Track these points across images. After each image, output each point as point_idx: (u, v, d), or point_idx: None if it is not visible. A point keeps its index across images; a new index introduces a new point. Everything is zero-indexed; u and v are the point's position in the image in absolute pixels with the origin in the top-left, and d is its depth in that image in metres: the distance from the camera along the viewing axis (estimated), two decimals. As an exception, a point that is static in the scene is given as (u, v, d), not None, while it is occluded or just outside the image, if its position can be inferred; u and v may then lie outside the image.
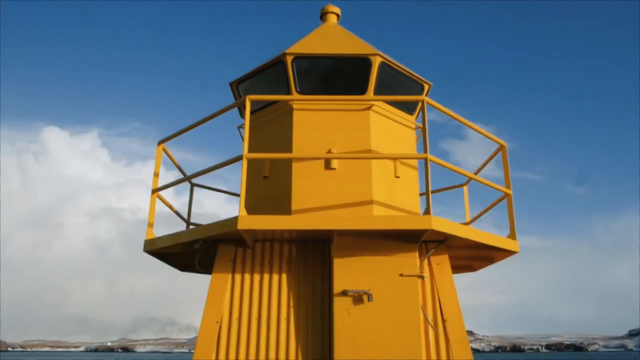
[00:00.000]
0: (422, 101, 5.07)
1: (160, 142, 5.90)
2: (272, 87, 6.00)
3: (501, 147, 5.89)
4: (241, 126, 6.45)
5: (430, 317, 4.87)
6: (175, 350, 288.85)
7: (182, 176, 5.94)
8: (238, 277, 5.07)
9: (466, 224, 6.65)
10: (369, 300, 4.71)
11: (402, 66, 6.05)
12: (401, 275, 4.82)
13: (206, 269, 5.47)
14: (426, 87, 6.40)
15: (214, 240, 5.12)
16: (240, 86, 6.36)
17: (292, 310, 4.95)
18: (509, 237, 5.57)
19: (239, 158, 4.94)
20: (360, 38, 6.58)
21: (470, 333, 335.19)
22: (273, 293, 5.00)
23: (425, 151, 4.88)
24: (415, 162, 5.88)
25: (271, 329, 4.85)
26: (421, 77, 6.34)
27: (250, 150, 5.32)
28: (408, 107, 6.14)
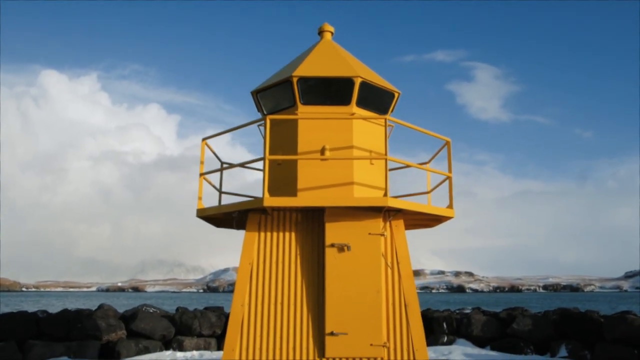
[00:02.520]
0: (385, 119, 7.49)
1: (204, 139, 8.34)
2: (282, 97, 8.37)
3: (447, 143, 8.30)
4: (261, 124, 8.78)
5: (388, 261, 7.45)
6: (184, 290, 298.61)
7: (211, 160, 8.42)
8: (262, 234, 7.63)
9: (428, 192, 9.13)
10: (348, 250, 7.27)
11: (377, 82, 8.36)
12: (370, 233, 7.37)
13: (239, 228, 8.01)
14: (396, 94, 8.73)
15: (246, 210, 7.65)
16: (258, 95, 8.72)
17: (299, 256, 7.52)
18: (448, 207, 8.08)
19: (261, 159, 7.42)
20: (349, 53, 8.94)
21: (470, 274, 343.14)
22: (286, 245, 7.57)
23: (385, 153, 7.35)
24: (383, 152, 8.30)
25: (285, 269, 7.44)
26: (392, 88, 8.65)
27: (266, 142, 7.74)
28: (380, 110, 8.52)
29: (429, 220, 8.44)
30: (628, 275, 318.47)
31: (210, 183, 8.47)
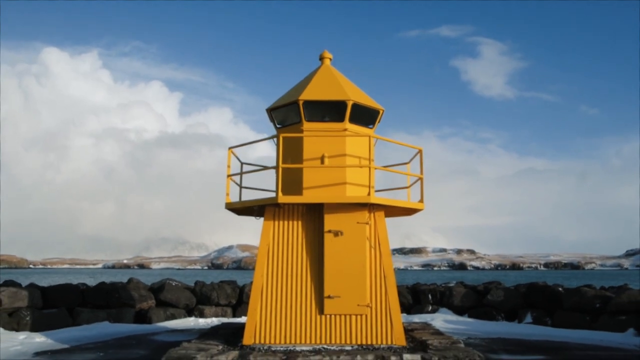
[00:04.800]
0: (369, 136, 9.88)
1: (230, 148, 10.71)
2: (290, 115, 10.71)
3: (419, 151, 10.65)
4: (275, 136, 11.09)
5: (372, 243, 9.87)
6: (189, 267, 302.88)
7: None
8: (276, 222, 10.04)
9: (409, 186, 11.50)
10: (341, 235, 9.70)
11: (365, 103, 10.68)
12: (358, 222, 9.78)
13: (259, 216, 10.44)
14: (381, 111, 11.06)
15: (264, 205, 10.06)
16: (272, 112, 11.06)
17: (304, 239, 9.94)
18: (419, 201, 10.47)
19: (274, 167, 9.82)
20: (345, 77, 11.26)
21: (471, 252, 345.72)
22: (294, 231, 9.99)
23: (370, 162, 9.75)
24: (373, 156, 10.64)
25: (293, 249, 9.87)
26: (378, 106, 10.97)
27: (278, 149, 10.06)
28: (369, 124, 10.87)
29: (404, 211, 10.84)
30: (629, 254, 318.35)
31: (234, 182, 10.88)
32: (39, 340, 13.35)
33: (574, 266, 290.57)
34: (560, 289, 17.67)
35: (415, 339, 10.30)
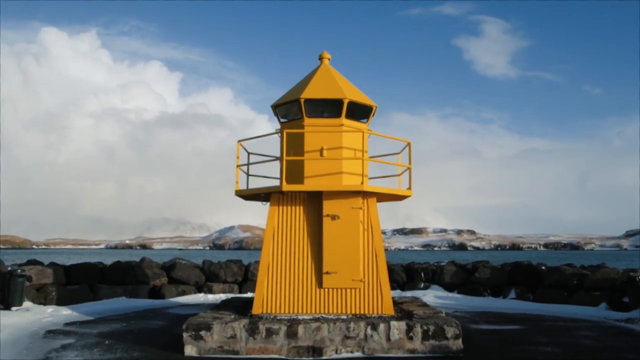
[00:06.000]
0: (363, 131, 11.17)
1: (239, 141, 11.98)
2: (293, 111, 11.97)
3: (408, 144, 11.91)
4: (279, 130, 12.35)
5: (365, 226, 11.20)
6: (190, 247, 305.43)
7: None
8: (281, 207, 11.37)
9: (399, 174, 12.80)
10: (338, 219, 11.03)
11: (360, 100, 11.92)
12: (352, 207, 11.10)
13: (265, 201, 11.77)
14: (374, 107, 12.30)
15: (270, 192, 11.38)
16: (276, 108, 12.31)
17: (305, 222, 11.28)
18: (408, 188, 11.79)
19: (277, 158, 11.12)
20: (342, 76, 12.50)
21: (472, 232, 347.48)
22: (297, 215, 11.32)
23: (363, 154, 11.05)
24: (366, 148, 11.92)
25: (296, 231, 11.21)
26: (371, 102, 12.21)
27: (281, 142, 11.34)
28: (363, 118, 12.14)
29: (394, 197, 12.17)
30: (628, 234, 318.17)
31: (243, 171, 12.20)
32: (66, 313, 14.79)
33: (573, 246, 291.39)
34: (543, 267, 19.09)
35: (403, 310, 11.69)
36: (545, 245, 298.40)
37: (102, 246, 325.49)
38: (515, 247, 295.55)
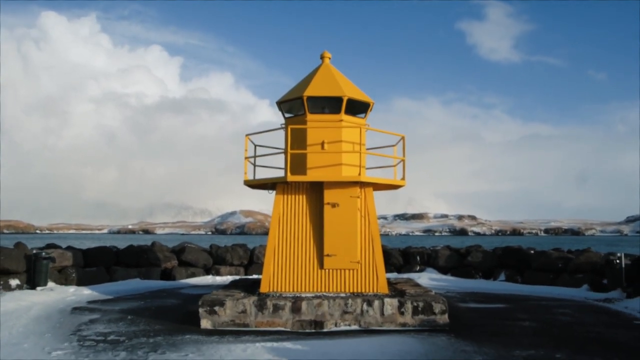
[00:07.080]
0: (360, 127, 12.27)
1: (247, 135, 13.08)
2: (296, 107, 13.05)
3: (402, 138, 13.00)
4: (284, 125, 13.42)
5: (362, 213, 12.33)
6: (193, 232, 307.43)
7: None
8: (286, 196, 12.49)
9: (395, 165, 13.90)
10: (337, 206, 12.16)
11: (358, 97, 12.98)
12: (351, 196, 12.23)
13: (271, 190, 12.91)
14: (371, 104, 13.37)
15: (276, 182, 12.51)
16: (281, 104, 13.38)
17: (308, 210, 12.41)
18: (401, 179, 12.90)
19: (284, 152, 12.23)
20: (342, 74, 13.55)
21: (472, 218, 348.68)
22: (300, 203, 12.45)
23: (360, 148, 12.16)
24: (364, 141, 12.99)
25: (301, 219, 12.35)
26: (368, 99, 13.27)
27: (286, 136, 12.44)
28: (361, 114, 13.22)
29: (389, 186, 13.29)
30: (629, 220, 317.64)
31: (250, 162, 13.32)
32: (87, 292, 16.02)
33: (574, 232, 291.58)
34: (531, 251, 20.26)
35: (397, 289, 12.87)
36: (546, 231, 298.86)
37: (105, 231, 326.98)
38: (516, 232, 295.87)
